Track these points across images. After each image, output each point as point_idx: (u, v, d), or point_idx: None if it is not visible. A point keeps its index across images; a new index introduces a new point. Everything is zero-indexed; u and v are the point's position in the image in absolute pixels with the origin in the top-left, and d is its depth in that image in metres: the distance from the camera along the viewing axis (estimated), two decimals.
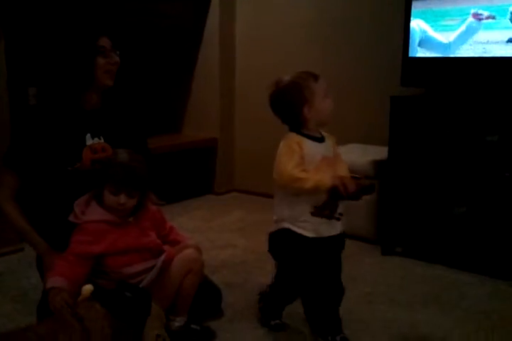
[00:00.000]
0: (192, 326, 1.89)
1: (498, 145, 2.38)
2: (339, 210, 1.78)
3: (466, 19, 2.49)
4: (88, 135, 1.89)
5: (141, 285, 1.76)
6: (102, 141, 1.91)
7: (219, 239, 2.99)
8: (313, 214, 1.75)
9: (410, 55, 2.65)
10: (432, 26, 2.58)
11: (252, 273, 2.51)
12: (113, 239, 1.74)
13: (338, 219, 1.79)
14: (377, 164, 2.80)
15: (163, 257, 1.81)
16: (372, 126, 3.14)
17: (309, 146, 1.77)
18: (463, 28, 2.51)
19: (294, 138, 1.77)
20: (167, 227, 1.96)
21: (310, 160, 1.75)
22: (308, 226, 1.77)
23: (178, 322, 1.85)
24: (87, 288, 1.39)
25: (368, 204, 2.74)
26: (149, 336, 1.37)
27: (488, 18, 2.43)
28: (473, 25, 2.48)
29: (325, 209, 1.75)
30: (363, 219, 2.80)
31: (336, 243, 1.84)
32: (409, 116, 2.62)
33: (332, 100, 1.78)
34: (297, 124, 1.79)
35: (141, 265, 1.78)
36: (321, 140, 1.82)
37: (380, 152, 2.82)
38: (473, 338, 1.95)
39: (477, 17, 2.46)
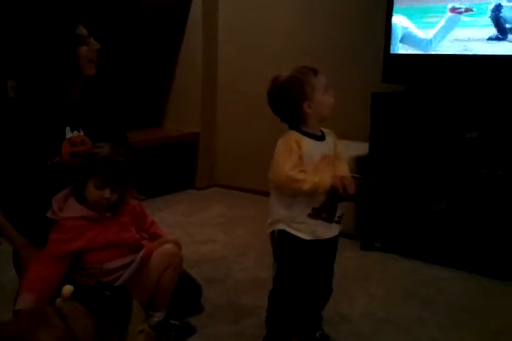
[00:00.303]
0: (171, 321, 1.89)
1: (477, 142, 2.40)
2: (339, 212, 1.74)
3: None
4: (68, 128, 1.86)
5: (120, 280, 1.75)
6: (82, 133, 1.88)
7: (199, 233, 2.98)
8: (311, 216, 1.69)
9: (392, 51, 2.66)
10: (414, 23, 2.59)
11: (233, 268, 2.51)
12: (92, 235, 1.72)
13: (338, 222, 1.75)
14: (358, 160, 2.80)
15: (142, 252, 1.80)
16: (352, 122, 3.14)
17: (309, 145, 1.69)
18: (442, 22, 2.52)
19: (293, 136, 1.69)
20: (148, 222, 1.95)
21: (309, 159, 1.68)
22: (306, 228, 1.70)
23: (157, 318, 1.85)
24: (68, 288, 1.37)
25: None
26: (133, 333, 1.36)
27: (467, 10, 2.45)
28: (453, 19, 2.49)
29: (323, 212, 1.70)
30: (343, 212, 2.80)
31: (333, 245, 1.80)
32: (390, 112, 2.63)
33: (332, 95, 1.72)
34: (297, 122, 1.71)
35: (120, 260, 1.77)
36: (321, 138, 1.75)
37: (361, 148, 2.83)
38: (450, 332, 1.97)
39: (455, 11, 2.48)
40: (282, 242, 1.73)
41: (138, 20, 3.68)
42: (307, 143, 1.69)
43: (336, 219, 1.74)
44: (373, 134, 2.67)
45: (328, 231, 1.74)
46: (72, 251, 1.71)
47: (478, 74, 2.45)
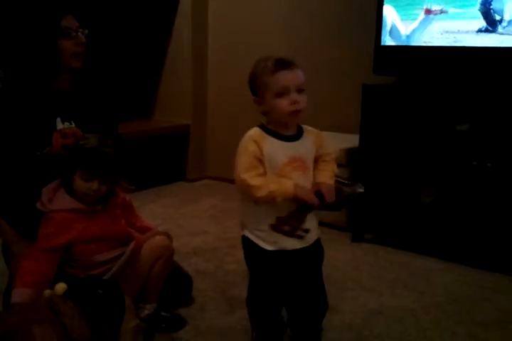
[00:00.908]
0: (162, 313, 1.89)
1: (467, 134, 2.41)
2: (306, 225, 1.55)
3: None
4: (58, 119, 1.85)
5: (109, 273, 1.75)
6: (73, 125, 1.87)
7: (190, 225, 2.98)
8: (272, 227, 1.53)
9: (382, 43, 2.66)
10: (401, 15, 2.59)
11: (224, 260, 2.51)
12: (82, 227, 1.72)
13: (300, 237, 1.56)
14: (349, 152, 2.81)
15: (132, 245, 1.80)
16: (342, 114, 3.15)
17: (271, 146, 1.51)
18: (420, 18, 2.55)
19: (254, 134, 1.52)
20: (135, 215, 1.94)
21: (271, 162, 1.50)
22: (268, 237, 1.55)
23: (147, 310, 1.85)
24: (61, 286, 1.37)
25: None
26: (126, 330, 1.36)
27: (441, 12, 2.47)
28: (426, 19, 2.52)
29: (286, 224, 1.52)
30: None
31: (307, 255, 1.60)
32: (380, 104, 2.63)
33: (292, 100, 1.48)
34: (263, 117, 1.56)
35: (110, 253, 1.77)
36: (293, 138, 1.55)
37: (351, 140, 2.83)
38: (441, 324, 1.99)
39: (430, 12, 2.51)
40: (247, 250, 1.61)
41: (127, 11, 3.65)
42: (270, 143, 1.51)
43: (298, 233, 1.55)
44: (364, 126, 2.67)
45: (293, 242, 1.56)
46: (62, 245, 1.70)
47: (468, 66, 2.45)
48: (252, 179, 1.47)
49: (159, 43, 3.83)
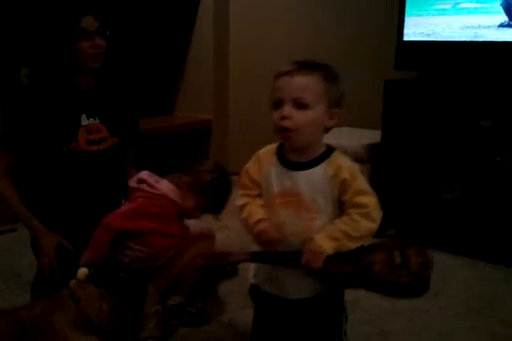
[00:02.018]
0: (188, 308, 1.93)
1: (490, 129, 2.39)
2: (288, 282, 1.29)
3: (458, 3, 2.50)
4: (83, 115, 1.89)
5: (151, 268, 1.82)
6: (97, 121, 1.91)
7: (211, 221, 2.99)
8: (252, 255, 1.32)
9: (404, 38, 2.65)
10: (425, 10, 2.58)
11: None
12: (171, 221, 1.80)
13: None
14: (370, 148, 2.81)
15: (180, 247, 1.88)
16: (363, 110, 3.14)
17: (268, 169, 1.30)
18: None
19: (264, 152, 1.34)
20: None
21: (266, 189, 1.31)
22: (253, 267, 1.37)
23: (173, 301, 1.89)
24: (83, 271, 1.40)
25: None
26: (148, 313, 1.39)
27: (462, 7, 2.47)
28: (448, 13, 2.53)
29: (261, 259, 1.29)
30: None
31: (295, 308, 1.32)
32: (402, 99, 2.62)
33: (280, 116, 1.24)
34: None
35: (169, 251, 1.85)
36: (297, 166, 1.27)
37: (373, 135, 2.83)
38: (462, 320, 1.99)
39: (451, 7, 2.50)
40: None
41: (149, 7, 3.68)
42: (270, 166, 1.30)
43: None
44: (386, 121, 2.67)
45: (279, 286, 1.32)
46: (149, 229, 1.78)
47: (490, 61, 2.43)
48: (239, 198, 1.35)
49: (181, 39, 3.84)
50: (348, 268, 1.21)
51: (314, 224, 1.25)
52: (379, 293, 1.18)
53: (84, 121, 1.89)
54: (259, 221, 1.27)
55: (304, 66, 1.23)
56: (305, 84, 1.22)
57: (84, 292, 1.34)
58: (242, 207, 1.32)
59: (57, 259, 1.77)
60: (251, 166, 1.34)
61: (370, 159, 2.78)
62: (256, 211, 1.29)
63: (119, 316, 1.34)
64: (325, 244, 1.22)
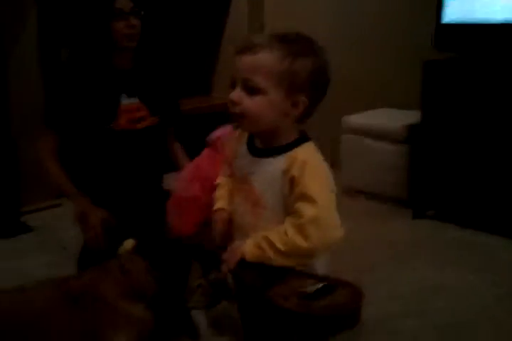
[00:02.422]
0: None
1: None
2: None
3: None
4: (123, 95, 1.91)
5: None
6: (138, 100, 1.93)
7: None
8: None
9: (443, 20, 2.60)
10: None
11: None
12: None
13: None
14: (409, 128, 2.78)
15: None
16: (401, 91, 3.10)
17: (238, 152, 1.19)
18: None
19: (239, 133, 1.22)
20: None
21: (233, 170, 1.20)
22: None
23: (214, 275, 1.90)
24: (130, 242, 1.43)
25: (398, 169, 2.76)
26: (192, 287, 1.42)
27: None
28: None
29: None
30: (394, 182, 2.78)
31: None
32: (441, 80, 2.59)
33: (235, 95, 1.10)
34: None
35: None
36: (257, 152, 1.13)
37: (411, 116, 2.80)
38: (504, 301, 1.97)
39: None
40: None
41: None
42: (241, 146, 1.18)
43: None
44: (425, 102, 2.64)
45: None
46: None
47: None
48: (219, 175, 1.27)
49: (216, 20, 3.84)
50: (258, 282, 1.01)
51: (260, 220, 1.11)
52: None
53: (125, 100, 1.91)
54: (216, 210, 1.20)
55: (265, 41, 1.04)
56: (256, 63, 1.03)
57: (133, 264, 1.37)
58: (217, 186, 1.25)
59: (103, 233, 1.80)
60: (228, 145, 1.23)
61: (409, 139, 2.75)
62: (220, 196, 1.21)
63: (164, 290, 1.37)
64: (247, 247, 1.07)
